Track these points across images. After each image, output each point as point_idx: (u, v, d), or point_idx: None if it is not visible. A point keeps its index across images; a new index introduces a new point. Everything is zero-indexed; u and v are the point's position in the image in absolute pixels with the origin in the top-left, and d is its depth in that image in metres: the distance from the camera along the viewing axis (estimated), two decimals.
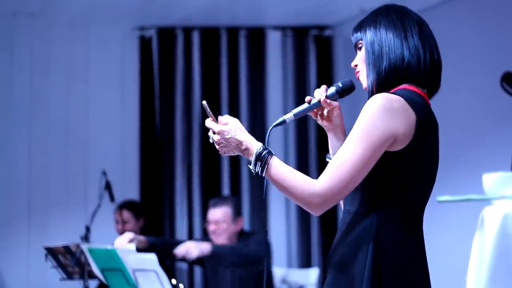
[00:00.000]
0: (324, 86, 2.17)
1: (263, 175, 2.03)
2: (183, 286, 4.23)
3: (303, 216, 5.77)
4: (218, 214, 4.54)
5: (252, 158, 2.04)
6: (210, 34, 5.90)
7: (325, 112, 2.20)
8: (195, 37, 5.91)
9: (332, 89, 2.16)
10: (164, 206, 5.72)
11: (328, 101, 2.15)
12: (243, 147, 2.06)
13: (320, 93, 2.15)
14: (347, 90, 2.17)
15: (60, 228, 5.48)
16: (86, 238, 4.51)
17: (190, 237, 5.66)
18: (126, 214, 5.22)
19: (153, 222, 5.51)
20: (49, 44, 5.71)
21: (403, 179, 2.01)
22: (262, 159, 2.02)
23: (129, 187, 5.70)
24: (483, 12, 4.83)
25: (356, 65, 2.16)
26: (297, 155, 5.88)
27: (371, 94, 2.06)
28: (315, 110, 2.19)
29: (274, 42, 5.97)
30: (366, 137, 1.93)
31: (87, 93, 5.81)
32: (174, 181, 5.77)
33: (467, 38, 4.92)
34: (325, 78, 5.90)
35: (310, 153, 5.87)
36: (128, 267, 3.82)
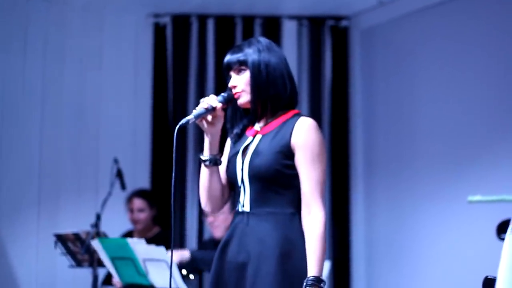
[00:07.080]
0: (213, 95, 2.47)
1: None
2: (193, 277, 4.20)
3: None
4: None
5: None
6: (225, 22, 5.84)
7: (209, 118, 2.46)
8: (210, 25, 5.85)
9: (220, 98, 2.45)
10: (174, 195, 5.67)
11: (221, 107, 2.45)
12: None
13: (214, 101, 2.43)
14: (230, 100, 2.47)
15: (70, 215, 5.46)
16: (96, 226, 4.48)
17: (200, 227, 5.63)
18: (141, 203, 5.13)
19: (163, 211, 5.46)
20: (63, 30, 5.67)
21: None
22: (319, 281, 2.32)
23: (140, 176, 5.66)
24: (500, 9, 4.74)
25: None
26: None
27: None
28: (204, 115, 2.44)
29: (289, 32, 5.90)
30: (322, 159, 2.43)
31: (100, 80, 5.78)
32: (186, 170, 5.72)
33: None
34: (341, 69, 5.84)
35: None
36: (139, 257, 3.80)
